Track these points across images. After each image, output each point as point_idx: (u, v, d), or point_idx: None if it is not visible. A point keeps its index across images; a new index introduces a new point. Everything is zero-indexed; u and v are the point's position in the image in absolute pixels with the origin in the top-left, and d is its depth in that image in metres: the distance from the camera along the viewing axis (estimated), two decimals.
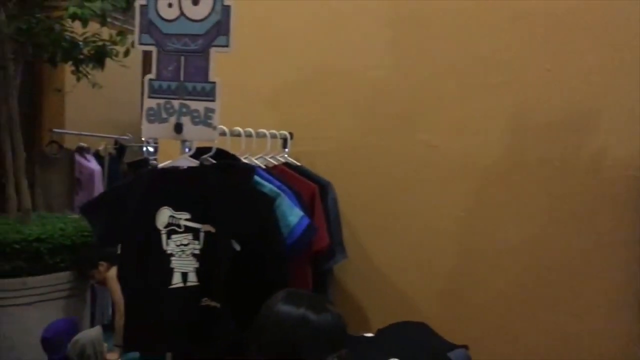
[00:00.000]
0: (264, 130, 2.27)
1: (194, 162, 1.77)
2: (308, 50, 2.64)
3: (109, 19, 4.52)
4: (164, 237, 1.73)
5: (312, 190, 2.19)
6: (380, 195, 2.54)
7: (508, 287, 2.38)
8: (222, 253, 1.72)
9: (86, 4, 3.97)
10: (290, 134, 2.51)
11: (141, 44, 1.75)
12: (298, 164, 2.43)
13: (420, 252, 2.47)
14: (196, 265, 1.73)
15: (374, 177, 2.55)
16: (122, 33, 4.83)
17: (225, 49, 1.70)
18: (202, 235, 1.74)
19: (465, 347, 2.09)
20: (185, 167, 1.77)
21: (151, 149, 7.41)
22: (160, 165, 1.79)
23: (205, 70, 1.71)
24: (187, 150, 1.77)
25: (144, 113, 1.76)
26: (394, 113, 2.53)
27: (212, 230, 1.73)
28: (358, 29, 2.58)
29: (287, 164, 2.34)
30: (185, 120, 1.73)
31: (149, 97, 1.75)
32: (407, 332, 2.19)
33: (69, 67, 4.85)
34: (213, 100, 1.71)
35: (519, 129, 2.38)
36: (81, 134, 5.68)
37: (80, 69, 4.74)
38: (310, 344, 1.29)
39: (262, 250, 1.77)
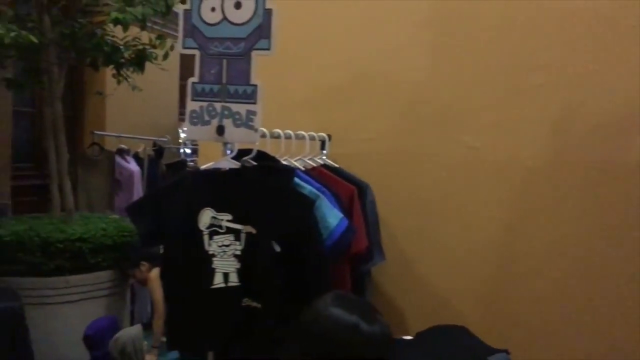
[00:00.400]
0: (303, 132, 2.28)
1: (236, 164, 1.79)
2: (347, 52, 2.64)
3: (148, 24, 4.61)
4: (206, 237, 1.76)
5: (351, 192, 2.19)
6: (420, 198, 2.52)
7: (550, 291, 2.33)
8: (262, 254, 1.74)
9: (128, 9, 4.05)
10: (329, 136, 2.52)
11: (185, 47, 1.78)
12: (336, 165, 2.43)
13: (460, 255, 2.44)
14: (237, 265, 1.75)
15: (413, 179, 2.53)
16: (161, 37, 4.91)
17: (266, 52, 1.72)
18: (243, 236, 1.76)
19: (506, 351, 2.06)
20: (227, 168, 1.79)
21: (188, 151, 7.54)
22: (203, 167, 1.81)
23: (246, 73, 1.73)
24: (228, 152, 1.79)
25: (187, 115, 1.79)
26: (434, 114, 2.51)
27: (253, 231, 1.75)
28: (397, 30, 2.57)
29: (325, 166, 2.35)
30: (227, 123, 1.75)
31: (192, 99, 1.78)
32: (446, 336, 2.17)
33: (109, 71, 4.96)
34: (254, 103, 1.73)
35: (562, 130, 2.33)
36: (121, 136, 5.81)
37: (121, 72, 4.83)
38: (359, 353, 1.28)
39: (303, 252, 1.78)
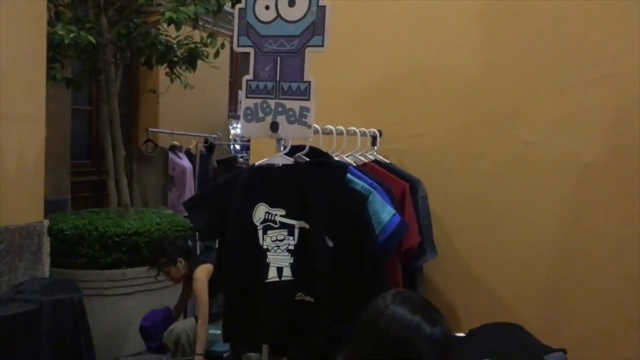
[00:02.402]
0: (354, 128, 2.29)
1: (289, 160, 1.81)
2: (398, 47, 2.63)
3: (200, 23, 4.71)
4: (260, 232, 1.79)
5: (403, 187, 2.18)
6: (473, 194, 2.48)
7: (610, 290, 2.26)
8: (315, 249, 1.75)
9: (181, 8, 4.14)
10: (379, 131, 2.51)
11: (239, 46, 1.81)
12: (387, 161, 2.43)
13: (515, 252, 2.40)
14: (291, 260, 1.78)
15: (466, 175, 2.50)
16: (212, 35, 5.01)
17: (320, 48, 1.73)
18: (296, 231, 1.78)
19: (563, 351, 2.01)
20: (281, 164, 1.82)
21: (238, 147, 7.66)
22: (257, 163, 1.84)
23: (300, 70, 1.74)
24: (282, 148, 1.81)
25: (242, 113, 1.82)
26: (487, 110, 2.47)
27: (306, 226, 1.77)
28: (449, 25, 2.54)
29: (376, 162, 2.35)
30: (281, 119, 1.78)
31: (247, 97, 1.81)
32: (501, 333, 2.14)
33: (162, 69, 5.09)
34: (308, 99, 1.74)
35: (621, 124, 2.26)
36: (174, 133, 5.94)
37: (174, 70, 4.95)
38: (418, 355, 1.28)
39: (355, 247, 1.78)
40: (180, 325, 3.53)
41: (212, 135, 6.52)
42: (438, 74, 2.57)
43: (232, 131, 7.73)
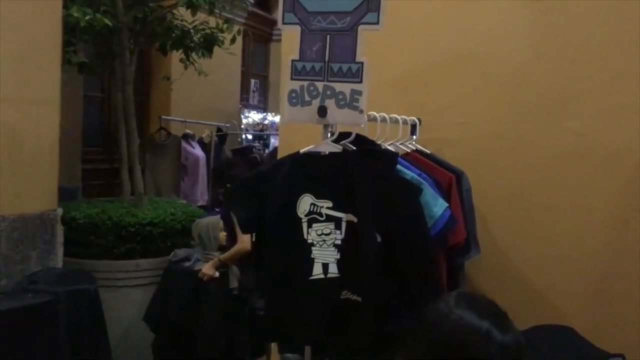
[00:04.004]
0: (396, 116, 2.15)
1: (337, 148, 1.67)
2: (440, 32, 2.48)
3: (216, 10, 4.59)
4: (304, 225, 1.66)
5: (449, 179, 2.04)
6: (519, 187, 2.34)
7: None
8: (364, 244, 1.62)
9: None
10: (419, 119, 2.37)
11: (284, 23, 1.67)
12: (428, 151, 2.29)
13: (564, 250, 2.26)
14: (337, 256, 1.65)
15: (511, 167, 2.36)
16: (228, 21, 4.88)
17: (375, 26, 1.58)
18: (344, 224, 1.65)
19: (622, 356, 1.89)
20: (327, 152, 1.68)
21: (249, 137, 7.54)
22: (302, 150, 1.70)
23: (352, 50, 1.60)
24: (329, 135, 1.67)
25: (286, 96, 1.68)
26: (536, 98, 2.32)
27: (355, 219, 1.64)
28: (496, 8, 2.39)
29: (418, 151, 2.21)
30: (330, 103, 1.64)
31: (292, 79, 1.67)
32: (551, 337, 2.01)
33: (176, 56, 4.96)
34: (360, 82, 1.61)
35: None
36: (187, 121, 5.82)
37: (190, 57, 4.82)
38: None
39: (407, 243, 1.65)
40: (205, 220, 3.88)
41: (225, 124, 6.40)
42: (481, 60, 2.42)
43: (244, 120, 7.61)
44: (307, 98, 1.66)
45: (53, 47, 3.43)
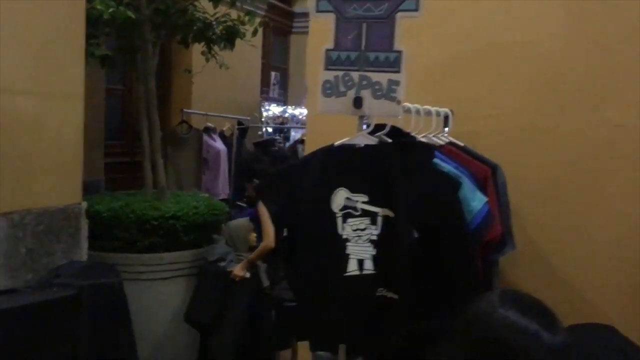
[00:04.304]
0: (429, 107, 2.08)
1: (373, 140, 1.62)
2: (472, 19, 2.40)
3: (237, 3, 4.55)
4: (339, 220, 1.61)
5: (485, 172, 1.98)
6: (555, 181, 2.27)
7: None
8: (401, 240, 1.57)
9: None
10: (451, 111, 2.30)
11: (319, 11, 1.61)
12: (461, 144, 2.22)
13: (601, 245, 2.18)
14: (373, 252, 1.60)
15: (547, 160, 2.28)
16: (250, 13, 4.84)
17: (413, 13, 1.52)
18: (380, 219, 1.60)
19: None
20: (363, 145, 1.62)
21: (270, 130, 7.50)
22: (336, 143, 1.65)
23: (389, 38, 1.54)
24: (364, 127, 1.62)
25: (320, 86, 1.63)
26: (571, 88, 2.24)
27: (391, 214, 1.58)
28: None
29: (451, 144, 2.15)
30: (366, 94, 1.58)
31: (326, 69, 1.61)
32: (592, 336, 1.94)
33: (197, 48, 4.93)
34: (398, 72, 1.55)
35: None
36: (208, 115, 5.79)
37: (212, 49, 4.79)
38: None
39: (445, 239, 1.60)
40: (236, 222, 4.02)
41: (245, 118, 6.36)
42: (514, 48, 2.35)
43: (265, 113, 7.56)
44: (342, 88, 1.60)
45: (76, 40, 3.41)
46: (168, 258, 4.10)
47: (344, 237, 1.60)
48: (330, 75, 1.61)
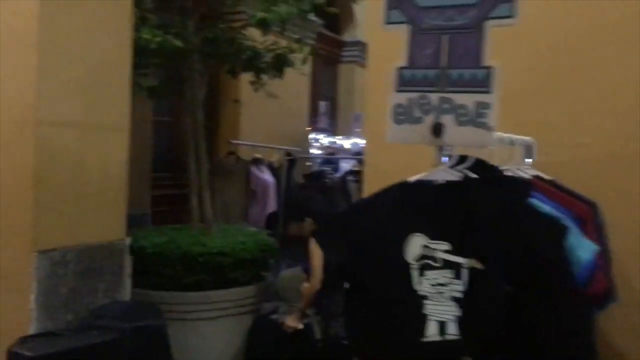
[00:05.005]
0: (511, 136, 1.79)
1: (456, 175, 1.34)
2: (556, 31, 2.12)
3: (286, 28, 4.42)
4: (415, 273, 1.33)
5: (584, 213, 1.66)
6: None
7: None
8: (492, 298, 1.28)
9: (273, 8, 3.83)
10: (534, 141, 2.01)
11: (389, 22, 1.36)
12: (548, 177, 1.91)
13: None
14: (457, 312, 1.31)
15: None
16: (300, 40, 4.71)
17: (508, 20, 1.25)
18: (465, 272, 1.31)
19: None
20: (444, 181, 1.35)
21: (318, 160, 7.30)
22: (411, 179, 1.38)
23: (477, 52, 1.28)
24: (445, 159, 1.35)
25: (391, 111, 1.37)
26: None
27: (480, 266, 1.29)
28: (620, 8, 2.01)
29: (538, 177, 1.84)
30: (447, 120, 1.31)
31: (398, 90, 1.35)
32: None
33: (245, 78, 4.82)
34: (488, 92, 1.27)
35: None
36: (257, 145, 5.67)
37: (260, 78, 4.66)
38: None
39: (549, 297, 1.29)
40: (288, 272, 4.03)
41: (294, 148, 6.20)
42: (605, 66, 2.05)
43: (313, 143, 7.39)
44: (417, 114, 1.34)
45: (123, 70, 3.34)
46: (215, 296, 3.93)
47: (421, 293, 1.32)
48: (403, 98, 1.35)
